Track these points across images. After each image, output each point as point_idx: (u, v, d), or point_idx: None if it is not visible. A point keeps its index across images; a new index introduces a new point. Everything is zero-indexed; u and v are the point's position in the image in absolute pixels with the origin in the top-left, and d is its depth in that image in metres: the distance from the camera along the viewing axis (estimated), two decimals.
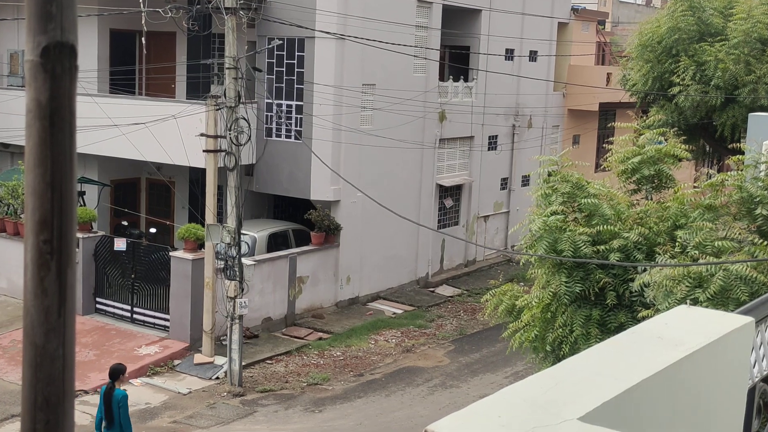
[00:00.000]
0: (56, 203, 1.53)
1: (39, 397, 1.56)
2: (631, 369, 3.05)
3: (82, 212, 21.08)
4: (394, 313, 23.77)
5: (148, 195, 26.53)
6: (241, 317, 18.20)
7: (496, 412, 2.62)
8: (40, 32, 1.52)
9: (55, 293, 1.53)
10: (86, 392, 17.34)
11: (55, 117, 1.53)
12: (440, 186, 26.96)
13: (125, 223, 24.66)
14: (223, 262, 18.49)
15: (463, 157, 28.18)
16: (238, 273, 18.06)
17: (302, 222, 23.72)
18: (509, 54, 29.24)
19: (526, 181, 30.25)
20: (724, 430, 3.69)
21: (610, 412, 2.75)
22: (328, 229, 22.90)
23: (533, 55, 30.40)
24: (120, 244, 20.84)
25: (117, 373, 13.08)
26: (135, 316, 20.92)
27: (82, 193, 23.68)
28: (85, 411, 16.36)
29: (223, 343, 19.14)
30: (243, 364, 18.43)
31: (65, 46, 1.52)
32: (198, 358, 19.08)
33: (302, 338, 21.21)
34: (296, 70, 23.02)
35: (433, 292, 26.12)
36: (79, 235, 20.61)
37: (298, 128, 23.00)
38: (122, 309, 21.11)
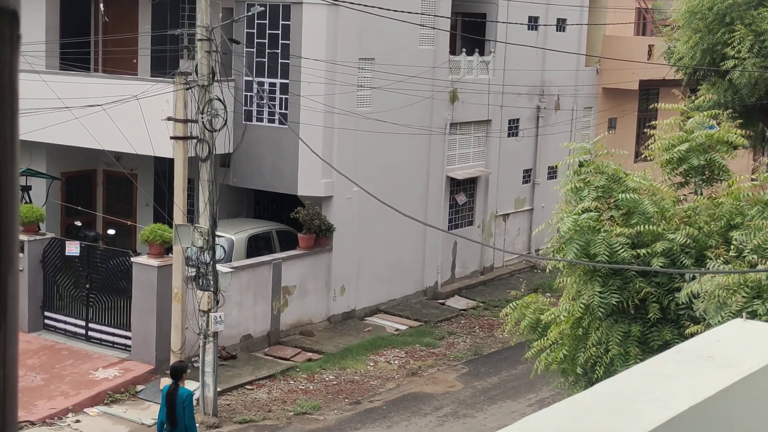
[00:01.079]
0: None
1: None
2: (677, 394, 3.04)
3: (28, 210, 21.09)
4: (397, 330, 23.79)
5: (106, 190, 26.54)
6: (215, 335, 18.21)
7: None
8: None
9: None
10: (33, 423, 17.33)
11: None
12: (451, 179, 26.97)
13: (79, 223, 24.67)
14: (194, 270, 18.49)
15: (478, 145, 28.19)
16: (212, 282, 18.07)
17: (288, 222, 23.74)
18: (533, 23, 29.24)
19: (553, 173, 30.25)
20: None
21: None
22: (319, 230, 22.92)
23: (561, 24, 30.41)
24: (72, 248, 20.84)
25: (180, 371, 14.80)
26: (90, 333, 20.93)
27: (27, 188, 23.70)
28: None
29: (195, 365, 19.15)
30: (218, 389, 18.45)
31: (4, 12, 1.52)
32: (165, 382, 19.07)
33: (288, 359, 21.23)
34: (281, 42, 23.03)
35: (443, 304, 26.13)
36: (24, 237, 20.64)
37: (282, 111, 23.00)
38: (75, 325, 21.12)
